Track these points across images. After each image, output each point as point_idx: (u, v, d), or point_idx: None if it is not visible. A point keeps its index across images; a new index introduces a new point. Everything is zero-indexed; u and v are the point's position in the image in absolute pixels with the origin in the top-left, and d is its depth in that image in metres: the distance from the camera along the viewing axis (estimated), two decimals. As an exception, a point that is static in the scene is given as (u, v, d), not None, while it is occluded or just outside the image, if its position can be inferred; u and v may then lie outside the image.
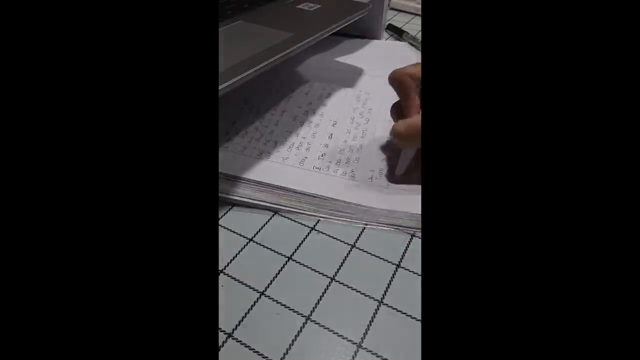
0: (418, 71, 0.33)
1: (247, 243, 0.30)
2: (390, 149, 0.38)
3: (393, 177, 0.35)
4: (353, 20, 0.45)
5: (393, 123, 0.34)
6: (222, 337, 0.24)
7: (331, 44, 0.59)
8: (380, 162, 0.37)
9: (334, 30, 0.42)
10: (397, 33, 0.64)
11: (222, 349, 0.23)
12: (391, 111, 0.37)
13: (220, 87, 0.29)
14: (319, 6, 0.47)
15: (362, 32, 0.62)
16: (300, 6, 0.47)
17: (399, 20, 0.72)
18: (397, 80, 0.34)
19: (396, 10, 0.77)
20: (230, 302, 0.26)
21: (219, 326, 0.24)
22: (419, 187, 0.34)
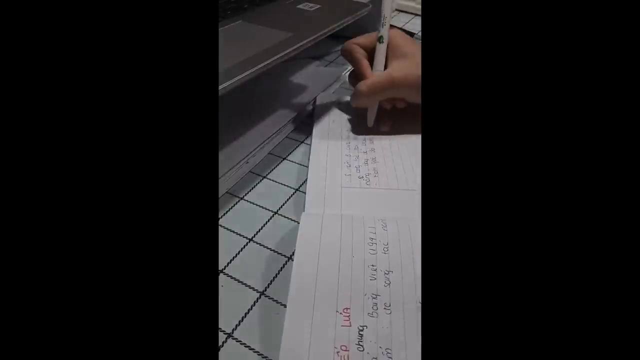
0: (365, 41, 0.41)
1: (247, 243, 0.30)
2: (355, 109, 0.42)
3: (364, 129, 0.41)
4: (353, 20, 0.45)
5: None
6: (222, 337, 0.24)
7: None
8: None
9: (334, 30, 0.42)
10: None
11: (222, 349, 0.23)
12: (349, 79, 0.43)
13: (220, 87, 0.29)
14: (319, 6, 0.47)
15: (362, 33, 0.62)
16: (300, 6, 0.47)
17: (399, 20, 0.72)
18: (347, 50, 0.41)
19: (396, 10, 0.77)
20: (230, 302, 0.26)
21: (219, 326, 0.24)
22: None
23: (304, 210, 0.32)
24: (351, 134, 0.41)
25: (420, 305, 0.24)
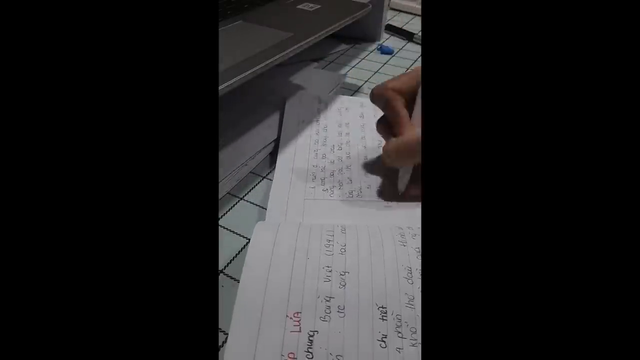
0: (403, 83, 0.31)
1: (247, 243, 0.30)
2: (387, 167, 0.34)
3: (393, 195, 0.34)
4: (353, 21, 0.45)
5: (382, 141, 0.33)
6: (222, 337, 0.24)
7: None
8: (367, 179, 0.35)
9: (334, 30, 0.42)
10: (406, 36, 0.65)
11: (222, 348, 0.23)
12: (377, 128, 0.34)
13: (220, 87, 0.29)
14: (319, 6, 0.47)
15: (362, 33, 0.62)
16: (300, 6, 0.47)
17: (399, 20, 0.72)
18: (380, 96, 0.32)
19: (396, 10, 0.77)
20: (230, 302, 0.26)
21: (219, 326, 0.24)
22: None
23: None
24: (319, 142, 0.39)
25: (380, 308, 0.23)
